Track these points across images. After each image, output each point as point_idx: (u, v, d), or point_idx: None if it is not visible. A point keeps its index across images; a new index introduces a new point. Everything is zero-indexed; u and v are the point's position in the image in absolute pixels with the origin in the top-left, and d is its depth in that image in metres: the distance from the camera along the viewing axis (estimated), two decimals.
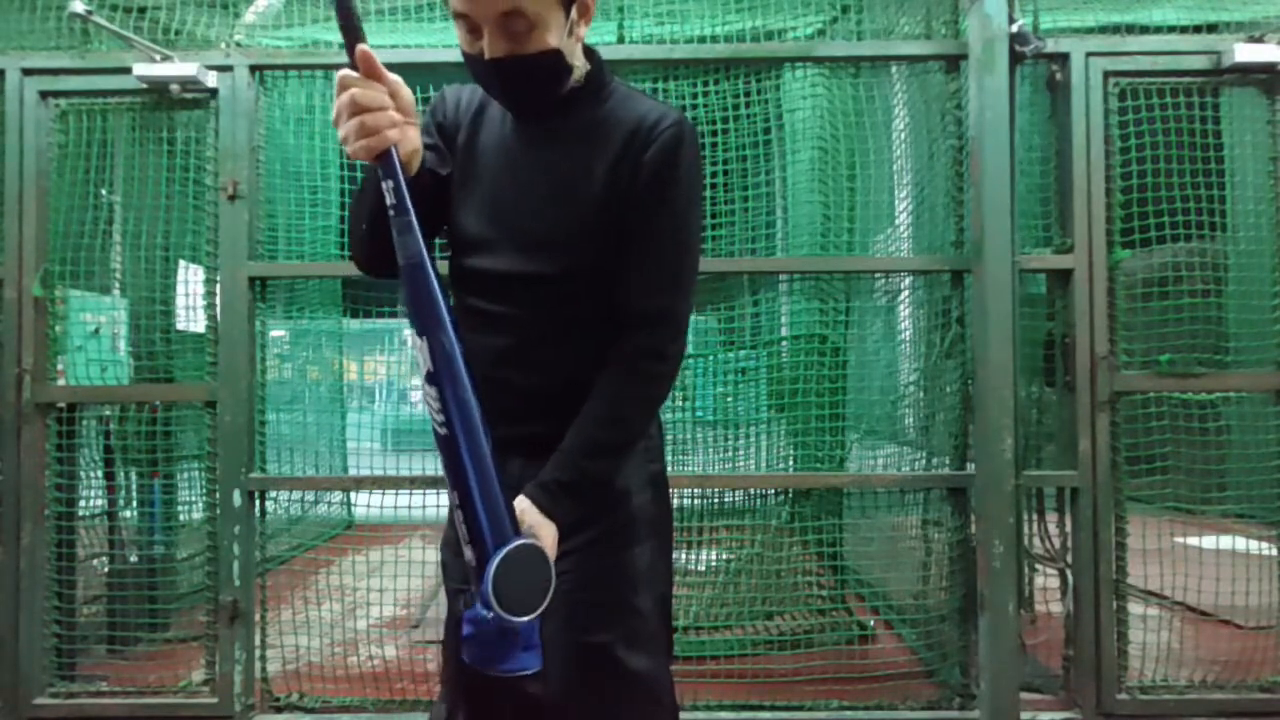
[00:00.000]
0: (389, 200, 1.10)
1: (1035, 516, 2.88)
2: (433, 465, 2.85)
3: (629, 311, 1.25)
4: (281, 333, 4.74)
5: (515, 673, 1.13)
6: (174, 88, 2.78)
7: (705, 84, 3.00)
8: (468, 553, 1.12)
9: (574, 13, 1.21)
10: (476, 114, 1.33)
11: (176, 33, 2.95)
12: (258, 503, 2.84)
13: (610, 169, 1.24)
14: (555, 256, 1.25)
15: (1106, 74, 2.75)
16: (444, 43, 2.92)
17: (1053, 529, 2.86)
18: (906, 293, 3.36)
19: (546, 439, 1.23)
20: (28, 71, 2.81)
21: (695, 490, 3.26)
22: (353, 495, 5.20)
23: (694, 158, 1.27)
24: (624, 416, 1.26)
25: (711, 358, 3.67)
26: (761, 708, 2.79)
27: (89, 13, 2.66)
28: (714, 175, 3.05)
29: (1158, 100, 2.78)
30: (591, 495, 1.23)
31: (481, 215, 1.29)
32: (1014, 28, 2.61)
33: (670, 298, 1.27)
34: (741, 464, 3.43)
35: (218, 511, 2.78)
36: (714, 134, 3.01)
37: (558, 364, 1.27)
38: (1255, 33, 2.75)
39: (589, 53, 1.30)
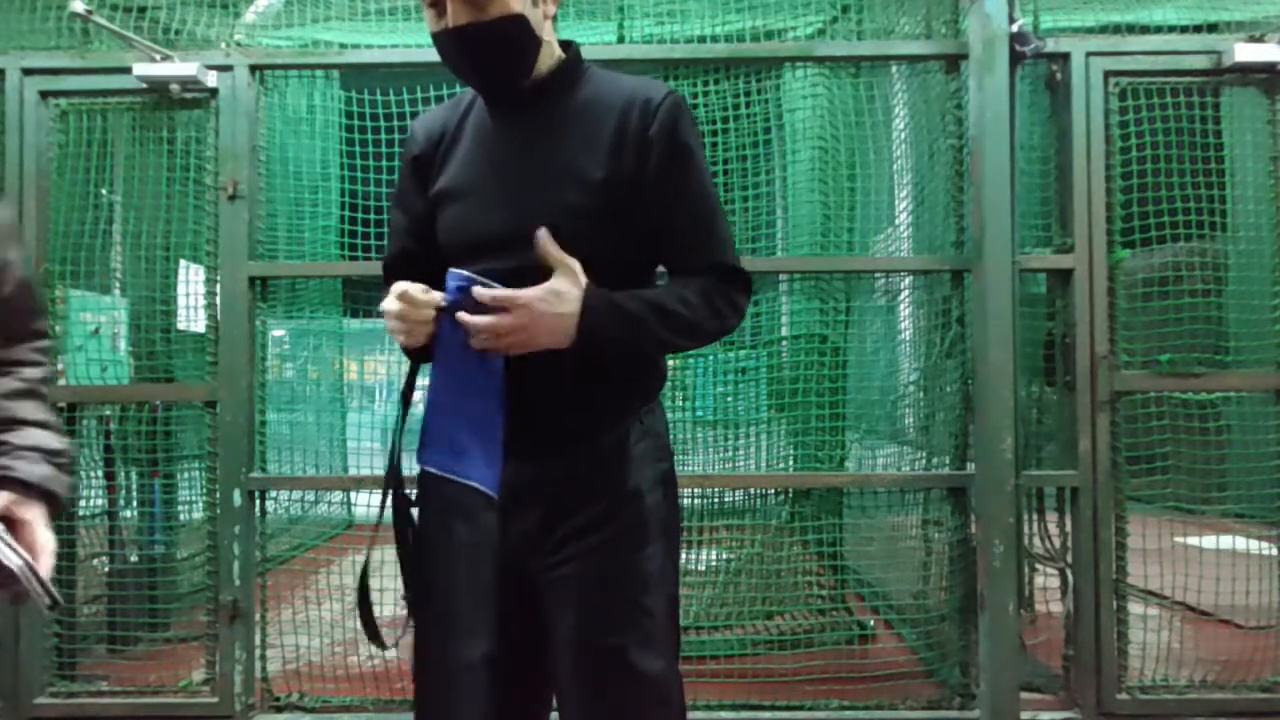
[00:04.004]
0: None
1: (1035, 516, 2.88)
2: None
3: (696, 272, 1.28)
4: (281, 333, 4.74)
5: (469, 481, 1.26)
6: (174, 87, 2.78)
7: (705, 84, 3.00)
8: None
9: None
10: (456, 129, 1.35)
11: (176, 32, 2.95)
12: (258, 502, 2.84)
13: (610, 150, 1.25)
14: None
15: (1106, 74, 2.75)
16: None
17: (1053, 529, 2.86)
18: (906, 293, 3.36)
19: (566, 437, 1.24)
20: (28, 71, 2.81)
21: (695, 490, 3.26)
22: (353, 495, 5.19)
23: (693, 124, 1.32)
24: (700, 321, 1.27)
25: (711, 357, 3.67)
26: (761, 708, 2.79)
27: (89, 12, 2.66)
28: (714, 175, 3.04)
29: (1158, 100, 2.78)
30: (622, 337, 1.22)
31: (477, 219, 1.29)
32: (1014, 28, 2.61)
33: (728, 254, 1.31)
34: (741, 464, 3.43)
35: (218, 511, 2.78)
36: (714, 134, 3.01)
37: (565, 361, 1.22)
38: (1255, 32, 2.75)
39: (566, 46, 1.34)
